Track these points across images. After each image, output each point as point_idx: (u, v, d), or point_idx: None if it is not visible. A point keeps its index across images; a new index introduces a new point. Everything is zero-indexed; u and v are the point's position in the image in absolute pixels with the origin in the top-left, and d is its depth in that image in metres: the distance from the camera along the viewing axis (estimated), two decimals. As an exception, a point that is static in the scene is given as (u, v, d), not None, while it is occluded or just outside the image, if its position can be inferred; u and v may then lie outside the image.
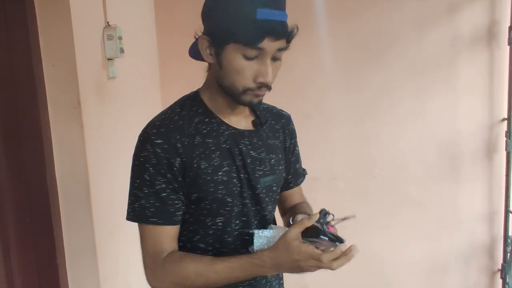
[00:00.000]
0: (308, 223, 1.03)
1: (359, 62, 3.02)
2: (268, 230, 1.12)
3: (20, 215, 1.87)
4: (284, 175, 1.28)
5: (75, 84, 1.92)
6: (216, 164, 1.11)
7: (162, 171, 1.07)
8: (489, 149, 2.97)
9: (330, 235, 1.03)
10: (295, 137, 1.36)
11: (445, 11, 2.91)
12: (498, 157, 2.95)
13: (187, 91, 1.22)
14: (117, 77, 2.32)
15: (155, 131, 1.09)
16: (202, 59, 1.15)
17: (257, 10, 1.00)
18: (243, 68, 1.05)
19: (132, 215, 1.11)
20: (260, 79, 1.06)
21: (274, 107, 1.34)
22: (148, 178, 1.08)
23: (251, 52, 1.03)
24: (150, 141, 1.08)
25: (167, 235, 1.11)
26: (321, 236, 1.02)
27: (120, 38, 2.22)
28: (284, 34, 1.05)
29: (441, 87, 2.97)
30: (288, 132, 1.32)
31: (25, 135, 1.85)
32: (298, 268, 1.03)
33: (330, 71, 3.06)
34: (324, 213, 1.06)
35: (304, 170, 1.43)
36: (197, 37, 1.12)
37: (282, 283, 1.35)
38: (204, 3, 1.11)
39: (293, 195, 1.40)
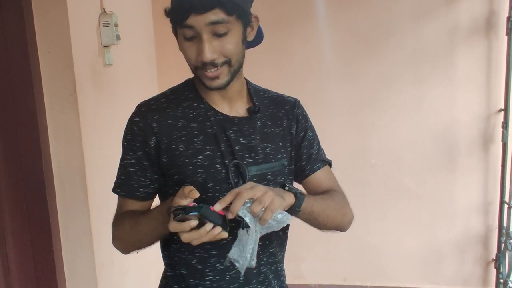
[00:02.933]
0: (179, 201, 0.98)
1: (357, 52, 3.01)
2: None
3: (16, 203, 1.86)
4: (285, 163, 1.21)
5: (71, 71, 1.91)
6: (197, 148, 1.11)
7: (134, 148, 1.12)
8: (485, 139, 2.97)
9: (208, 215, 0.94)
10: (305, 122, 1.29)
11: (444, 2, 2.90)
12: (495, 148, 2.96)
13: (183, 78, 1.22)
14: (113, 64, 2.30)
15: (137, 110, 1.14)
16: None
17: None
18: (186, 49, 1.05)
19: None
20: (199, 58, 1.04)
21: (280, 95, 1.29)
22: (122, 152, 1.16)
23: (186, 32, 1.02)
24: (131, 120, 1.14)
25: (129, 206, 1.17)
26: (190, 214, 0.94)
27: (116, 25, 2.20)
28: (210, 5, 0.98)
29: (438, 78, 2.97)
30: (293, 117, 1.25)
31: (21, 122, 1.84)
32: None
33: (328, 61, 3.05)
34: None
35: (326, 157, 1.34)
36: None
37: (284, 280, 1.28)
38: None
39: (316, 183, 1.30)
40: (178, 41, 1.08)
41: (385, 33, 2.97)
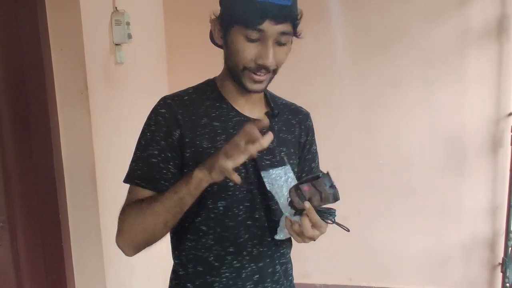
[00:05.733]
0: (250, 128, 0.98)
1: (367, 52, 3.02)
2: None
3: (27, 199, 1.89)
4: (295, 170, 1.26)
5: (83, 69, 1.93)
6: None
7: (158, 138, 1.12)
8: (494, 143, 2.96)
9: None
10: (313, 136, 1.35)
11: (456, 4, 2.89)
12: (503, 151, 2.95)
13: (194, 77, 1.26)
14: (124, 62, 2.32)
15: (162, 102, 1.15)
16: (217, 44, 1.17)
17: None
18: (245, 49, 1.07)
19: (125, 177, 1.16)
20: (260, 61, 1.08)
21: (293, 103, 1.35)
22: (143, 143, 1.13)
23: (253, 34, 1.05)
24: (155, 110, 1.14)
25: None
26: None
27: (128, 23, 2.22)
28: (285, 17, 1.05)
29: (448, 80, 2.96)
30: (304, 128, 1.31)
31: (33, 119, 1.87)
32: (216, 155, 0.99)
33: (338, 60, 3.06)
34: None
35: (321, 171, 1.39)
36: (212, 18, 1.15)
37: (292, 279, 1.33)
38: None
39: None
40: (229, 40, 1.10)
41: (395, 33, 2.97)
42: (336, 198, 1.01)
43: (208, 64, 1.18)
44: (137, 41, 2.40)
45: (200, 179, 1.02)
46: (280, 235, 1.13)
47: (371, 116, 3.07)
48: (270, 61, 1.08)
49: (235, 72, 1.12)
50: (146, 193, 1.12)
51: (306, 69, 3.07)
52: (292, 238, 1.29)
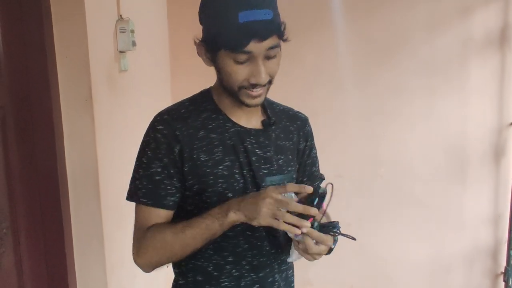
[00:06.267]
0: (292, 188, 1.03)
1: (368, 61, 3.02)
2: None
3: (31, 205, 1.89)
4: (294, 176, 1.27)
5: (87, 76, 1.95)
6: (217, 158, 1.14)
7: (160, 156, 1.12)
8: (496, 152, 2.96)
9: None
10: (312, 140, 1.36)
11: (458, 13, 2.90)
12: (506, 161, 2.95)
13: (197, 85, 1.26)
14: (128, 70, 2.34)
15: (159, 119, 1.15)
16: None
17: (239, 14, 1.00)
18: (236, 71, 1.07)
19: (128, 195, 1.17)
20: (253, 80, 1.08)
21: (291, 109, 1.35)
22: (145, 161, 1.14)
23: (241, 57, 1.05)
24: (153, 128, 1.15)
25: (156, 216, 1.14)
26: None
27: (132, 31, 2.24)
28: (270, 33, 1.04)
29: (450, 89, 2.96)
30: (303, 134, 1.32)
31: (37, 125, 1.88)
32: (256, 203, 1.03)
33: (339, 69, 3.06)
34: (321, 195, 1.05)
35: (322, 174, 1.41)
36: (196, 42, 1.14)
37: (293, 286, 1.34)
38: (199, 8, 1.13)
39: None
40: (219, 63, 1.09)
41: (398, 42, 2.98)
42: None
43: (211, 71, 1.18)
44: (141, 48, 2.41)
45: (235, 221, 1.06)
46: (293, 257, 1.15)
47: (373, 124, 3.07)
48: (263, 79, 1.08)
49: (231, 91, 1.12)
50: (154, 212, 1.14)
51: (308, 78, 3.08)
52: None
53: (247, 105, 1.13)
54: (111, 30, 2.20)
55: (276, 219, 1.01)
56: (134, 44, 2.26)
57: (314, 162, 1.37)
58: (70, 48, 1.93)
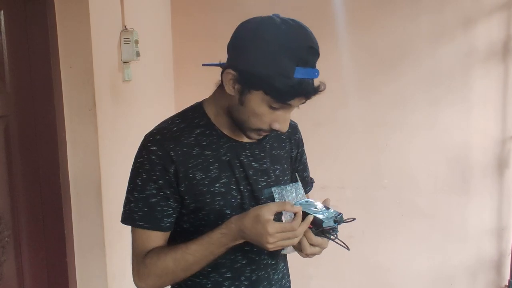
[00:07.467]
0: (290, 208, 1.02)
1: (372, 72, 3.04)
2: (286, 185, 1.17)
3: (33, 213, 1.90)
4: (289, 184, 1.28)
5: (91, 86, 1.96)
6: (213, 176, 1.12)
7: (154, 177, 1.09)
8: (500, 164, 2.96)
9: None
10: (302, 146, 1.36)
11: (461, 25, 2.91)
12: (509, 172, 2.94)
13: (200, 95, 1.24)
14: (132, 80, 2.35)
15: (151, 139, 1.12)
16: (216, 65, 1.14)
17: (296, 68, 0.99)
18: (264, 114, 1.06)
19: (123, 217, 1.16)
20: (276, 127, 1.08)
21: None
22: (139, 183, 1.11)
23: (277, 105, 1.04)
24: (146, 148, 1.11)
25: (154, 239, 1.13)
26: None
27: (136, 41, 2.26)
28: (314, 93, 1.05)
29: (453, 100, 2.97)
30: (294, 141, 1.32)
31: (41, 134, 1.89)
32: (260, 239, 1.02)
33: (343, 80, 3.08)
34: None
35: (311, 179, 1.43)
36: (222, 64, 1.09)
37: (289, 286, 1.34)
38: (236, 34, 1.08)
39: None
40: (249, 101, 1.04)
41: (401, 53, 2.99)
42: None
43: (214, 82, 1.18)
44: (145, 59, 2.43)
45: (237, 243, 1.07)
46: (287, 250, 1.14)
47: (377, 135, 3.07)
48: (285, 130, 1.09)
49: (243, 126, 1.10)
50: (152, 234, 1.13)
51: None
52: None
53: (250, 138, 1.14)
54: (116, 40, 2.22)
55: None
56: (138, 54, 2.27)
57: (305, 168, 1.39)
58: (75, 58, 1.94)
